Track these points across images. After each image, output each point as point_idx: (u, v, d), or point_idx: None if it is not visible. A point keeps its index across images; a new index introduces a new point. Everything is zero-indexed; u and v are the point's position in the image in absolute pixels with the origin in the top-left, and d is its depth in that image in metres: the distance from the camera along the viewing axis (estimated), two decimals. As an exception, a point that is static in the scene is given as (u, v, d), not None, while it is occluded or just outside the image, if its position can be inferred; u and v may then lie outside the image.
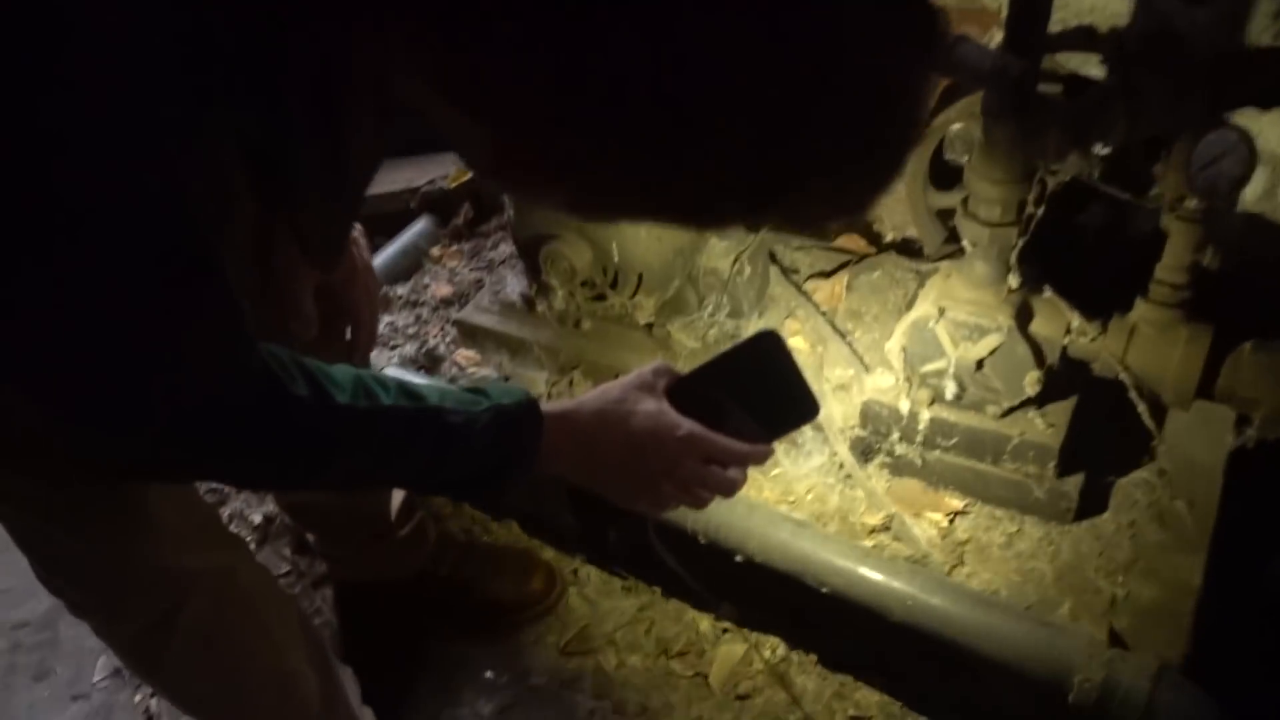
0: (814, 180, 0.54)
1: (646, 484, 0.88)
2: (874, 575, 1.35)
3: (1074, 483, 1.42)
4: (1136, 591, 1.37)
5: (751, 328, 1.76)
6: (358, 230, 1.16)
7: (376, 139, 0.79)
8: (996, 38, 1.67)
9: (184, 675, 1.13)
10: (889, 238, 1.92)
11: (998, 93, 1.13)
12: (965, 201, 1.30)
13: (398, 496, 1.63)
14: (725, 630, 1.56)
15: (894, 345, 1.44)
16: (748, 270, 1.75)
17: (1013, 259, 1.31)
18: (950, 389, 1.42)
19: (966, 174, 1.27)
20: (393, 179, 2.21)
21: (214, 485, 1.92)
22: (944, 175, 1.57)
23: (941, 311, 1.36)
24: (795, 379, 0.88)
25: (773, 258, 1.85)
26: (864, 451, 1.56)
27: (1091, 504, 1.46)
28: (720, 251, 1.69)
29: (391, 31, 0.54)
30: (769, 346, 0.88)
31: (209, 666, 1.12)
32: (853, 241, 1.93)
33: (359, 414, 0.77)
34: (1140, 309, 1.31)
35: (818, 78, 0.50)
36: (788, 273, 1.86)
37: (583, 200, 0.62)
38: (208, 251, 0.65)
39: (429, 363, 1.89)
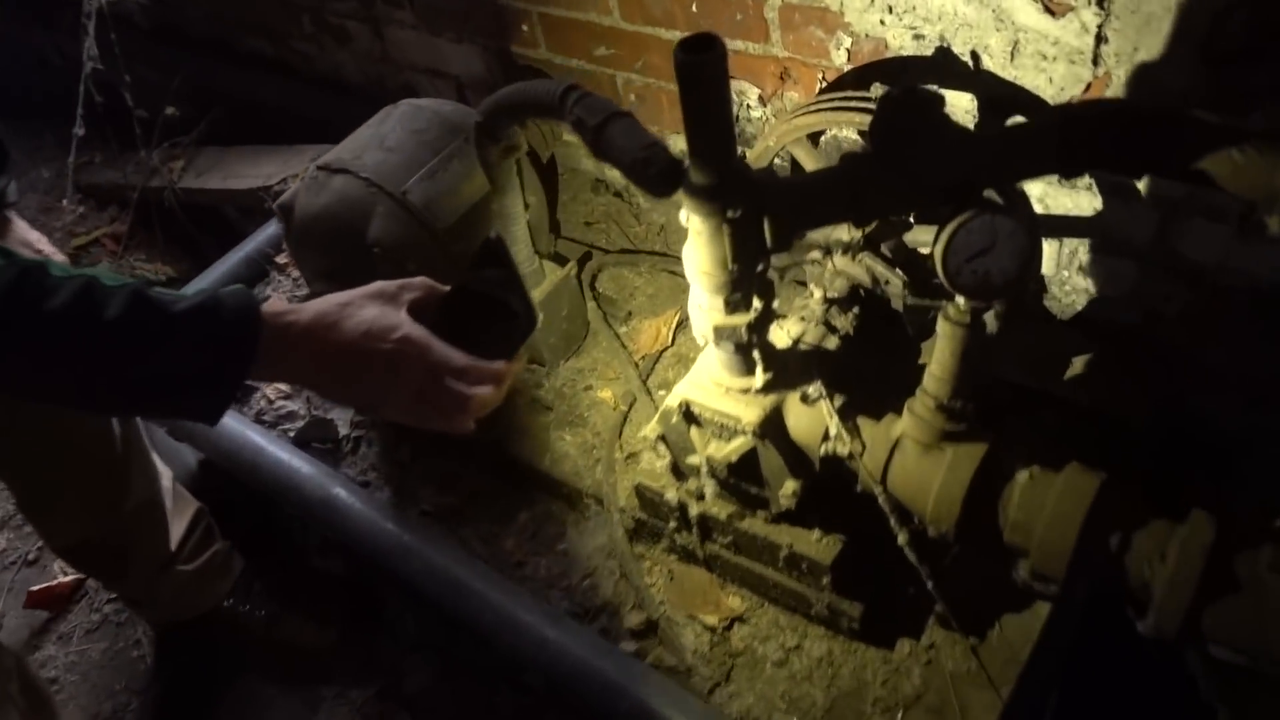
0: None
1: (371, 391, 0.80)
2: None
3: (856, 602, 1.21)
4: (914, 734, 1.18)
5: (561, 377, 1.57)
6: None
7: None
8: (845, 42, 1.41)
9: None
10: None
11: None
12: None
13: (178, 525, 1.54)
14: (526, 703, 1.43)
15: (651, 433, 1.24)
16: (565, 309, 1.57)
17: (756, 355, 1.09)
18: (710, 487, 1.22)
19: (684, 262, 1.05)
20: (253, 174, 2.06)
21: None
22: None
23: (684, 405, 1.15)
24: (520, 293, 0.85)
25: (594, 290, 1.65)
26: (650, 535, 1.38)
27: (888, 622, 1.25)
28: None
29: None
30: (494, 259, 0.85)
31: None
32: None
33: (52, 277, 0.73)
34: (905, 421, 1.07)
35: None
36: (606, 312, 1.66)
37: None
38: None
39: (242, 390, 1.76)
